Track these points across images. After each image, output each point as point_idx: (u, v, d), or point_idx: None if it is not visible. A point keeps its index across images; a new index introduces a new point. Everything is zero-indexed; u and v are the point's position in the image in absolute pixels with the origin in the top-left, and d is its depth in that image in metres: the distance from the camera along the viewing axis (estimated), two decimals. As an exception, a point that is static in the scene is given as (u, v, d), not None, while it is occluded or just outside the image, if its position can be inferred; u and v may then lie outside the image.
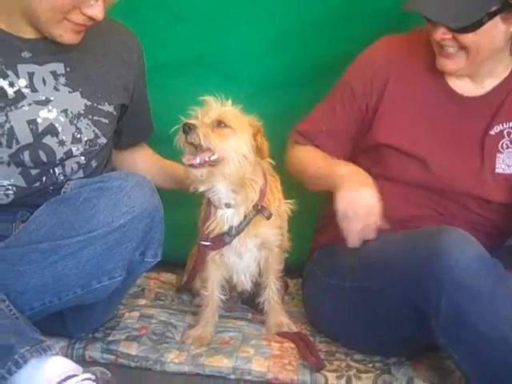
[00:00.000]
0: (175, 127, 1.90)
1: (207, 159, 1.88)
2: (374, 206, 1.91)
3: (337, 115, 2.17)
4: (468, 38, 1.91)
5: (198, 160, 1.88)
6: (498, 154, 2.05)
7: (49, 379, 1.53)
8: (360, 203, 1.91)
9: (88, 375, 1.55)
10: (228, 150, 1.89)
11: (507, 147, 2.05)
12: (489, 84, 2.08)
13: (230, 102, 1.94)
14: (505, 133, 2.05)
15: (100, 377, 1.57)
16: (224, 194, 1.98)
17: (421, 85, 2.09)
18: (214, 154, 1.88)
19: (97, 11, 1.83)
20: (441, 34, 1.93)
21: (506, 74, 2.08)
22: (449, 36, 1.93)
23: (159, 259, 1.83)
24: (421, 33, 2.13)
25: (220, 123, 1.89)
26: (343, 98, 2.16)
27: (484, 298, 1.66)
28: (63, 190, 1.75)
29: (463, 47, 1.94)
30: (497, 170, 2.05)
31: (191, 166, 1.89)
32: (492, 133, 2.05)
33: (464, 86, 2.08)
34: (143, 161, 2.30)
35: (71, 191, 1.72)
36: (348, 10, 2.45)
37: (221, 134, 1.88)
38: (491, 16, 1.89)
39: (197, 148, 1.89)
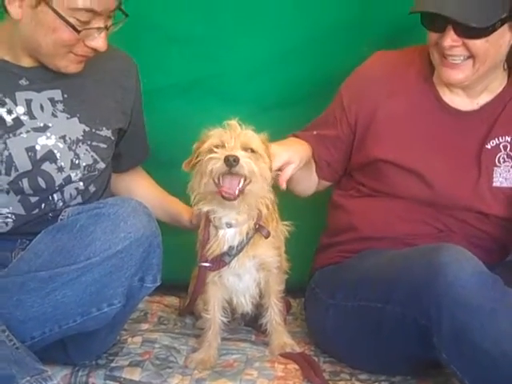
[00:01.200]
0: (211, 155, 1.86)
1: (239, 188, 1.87)
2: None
3: (328, 123, 2.20)
4: (478, 45, 1.91)
5: (237, 192, 1.87)
6: (495, 168, 2.05)
7: (50, 409, 1.52)
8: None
9: (89, 403, 1.54)
10: (258, 175, 1.88)
11: (504, 161, 2.05)
12: (483, 99, 2.09)
13: (251, 126, 1.94)
14: (501, 146, 2.05)
15: (101, 405, 1.56)
16: (226, 214, 1.97)
17: (415, 100, 2.10)
18: (241, 180, 1.87)
19: (100, 43, 1.86)
20: (450, 41, 1.92)
21: (500, 89, 2.09)
22: (458, 43, 1.92)
23: (158, 284, 1.82)
24: (415, 49, 2.15)
25: (247, 149, 1.88)
26: (335, 109, 2.20)
27: (484, 313, 1.65)
28: (60, 217, 1.75)
29: (471, 55, 1.94)
30: (494, 184, 2.05)
31: (229, 199, 1.88)
32: (488, 147, 2.05)
33: (459, 101, 2.08)
34: (142, 187, 2.30)
35: (68, 218, 1.72)
36: (347, 26, 2.45)
37: (252, 159, 1.87)
38: (503, 22, 1.90)
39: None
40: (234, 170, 1.83)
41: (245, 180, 1.87)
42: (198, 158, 1.93)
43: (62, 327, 1.72)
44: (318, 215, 2.37)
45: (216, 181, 1.88)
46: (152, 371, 1.95)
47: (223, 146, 1.87)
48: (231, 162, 1.82)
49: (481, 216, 2.07)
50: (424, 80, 2.10)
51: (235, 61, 2.46)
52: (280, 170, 1.94)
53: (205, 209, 1.98)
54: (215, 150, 1.87)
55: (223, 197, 1.87)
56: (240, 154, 1.84)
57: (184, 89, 2.47)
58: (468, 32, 1.90)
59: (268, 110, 2.48)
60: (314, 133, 2.20)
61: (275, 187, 2.00)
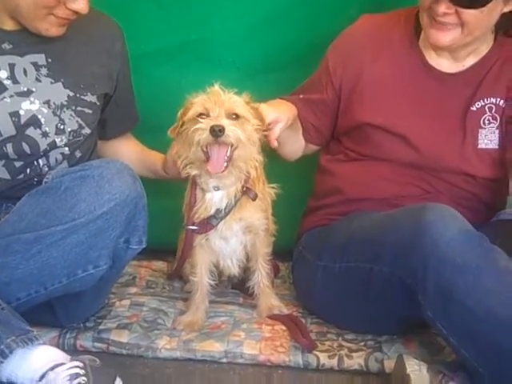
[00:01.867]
0: (197, 126, 1.86)
1: (227, 157, 1.88)
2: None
3: (314, 87, 2.20)
4: (471, 15, 1.89)
5: (225, 165, 1.87)
6: (480, 130, 2.05)
7: (36, 368, 1.54)
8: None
9: (76, 363, 1.57)
10: (244, 140, 1.88)
11: (489, 122, 2.05)
12: (469, 61, 2.08)
13: (233, 90, 1.92)
14: (486, 108, 2.05)
15: (88, 364, 1.58)
16: (214, 178, 1.97)
17: (401, 63, 2.09)
18: (228, 147, 1.87)
19: (81, 5, 1.84)
20: (444, 8, 1.90)
21: (486, 51, 2.07)
22: (451, 10, 1.90)
23: (144, 246, 1.83)
24: (401, 12, 2.15)
25: (232, 115, 1.87)
26: (321, 73, 2.20)
27: (469, 271, 1.65)
28: (44, 180, 1.75)
29: (462, 23, 1.92)
30: (479, 146, 2.05)
31: (218, 175, 1.90)
32: (473, 108, 2.05)
33: (444, 64, 2.08)
34: (126, 151, 2.30)
35: (52, 181, 1.72)
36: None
37: (237, 125, 1.87)
38: None
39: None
40: (221, 140, 1.83)
41: (231, 147, 1.87)
42: (184, 126, 1.92)
43: (48, 288, 1.73)
44: (306, 179, 2.38)
45: (204, 149, 1.88)
46: (140, 333, 1.97)
47: (208, 115, 1.86)
48: (217, 132, 1.82)
49: (468, 178, 2.08)
50: (409, 43, 2.09)
51: (222, 25, 2.43)
52: (268, 129, 1.94)
53: (193, 173, 1.98)
54: (200, 119, 1.86)
55: (214, 173, 1.88)
56: (225, 122, 1.84)
57: (170, 53, 2.44)
58: (463, 1, 1.88)
59: (255, 74, 2.46)
60: (301, 96, 2.20)
61: (263, 149, 2.00)
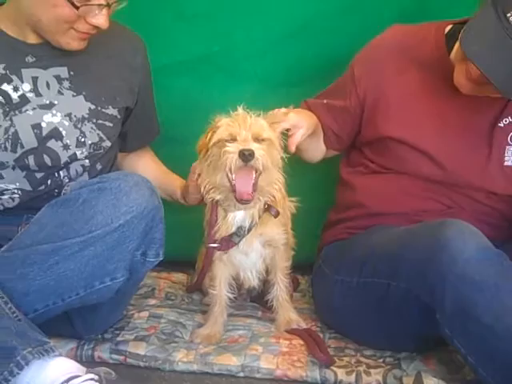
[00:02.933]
0: (226, 149, 1.85)
1: (254, 181, 1.88)
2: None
3: (338, 93, 2.19)
4: None
5: (251, 191, 1.87)
6: (508, 147, 2.02)
7: (51, 380, 1.54)
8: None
9: (91, 376, 1.56)
10: (270, 165, 1.88)
11: None
12: None
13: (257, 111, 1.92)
14: None
15: (104, 377, 1.58)
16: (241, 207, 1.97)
17: (428, 77, 2.06)
18: (254, 173, 1.87)
19: (102, 20, 1.85)
20: (479, 78, 1.84)
21: None
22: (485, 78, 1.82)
23: (161, 259, 1.84)
24: (431, 25, 2.11)
25: (258, 138, 1.87)
26: (346, 80, 2.18)
27: (488, 289, 1.63)
28: (63, 191, 1.78)
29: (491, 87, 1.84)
30: (506, 163, 2.02)
31: (246, 203, 1.89)
32: (501, 125, 2.02)
33: None
34: (148, 170, 2.28)
35: (71, 193, 1.74)
36: (359, 2, 2.41)
37: (264, 149, 1.86)
38: None
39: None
40: (250, 164, 1.83)
41: (256, 172, 1.87)
42: (209, 151, 1.91)
43: (65, 300, 1.74)
44: (326, 192, 2.38)
45: (230, 176, 1.87)
46: (157, 345, 1.98)
47: (234, 139, 1.86)
48: (247, 156, 1.81)
49: (490, 194, 2.05)
50: (437, 57, 2.05)
51: (243, 38, 2.43)
52: (289, 135, 1.94)
53: (217, 197, 1.97)
54: (227, 144, 1.85)
55: (238, 201, 1.88)
56: (254, 146, 1.83)
57: (192, 66, 2.45)
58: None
59: (276, 87, 2.46)
60: (324, 101, 2.20)
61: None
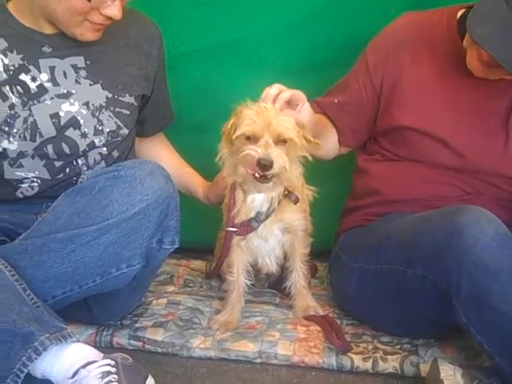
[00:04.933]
0: (246, 153, 1.85)
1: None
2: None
3: (349, 88, 2.16)
4: None
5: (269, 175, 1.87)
6: None
7: (69, 365, 1.56)
8: None
9: (108, 361, 1.58)
10: (289, 165, 1.88)
11: None
12: None
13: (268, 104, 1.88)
14: None
15: (120, 362, 1.60)
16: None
17: (442, 64, 2.04)
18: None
19: (115, 11, 1.86)
20: (490, 61, 1.82)
21: None
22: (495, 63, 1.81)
23: (177, 246, 1.85)
24: (443, 10, 2.09)
25: (280, 141, 1.86)
26: (358, 71, 2.16)
27: (504, 276, 1.62)
28: (80, 180, 1.79)
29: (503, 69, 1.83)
30: None
31: (263, 181, 1.89)
32: None
33: None
34: (163, 156, 2.30)
35: (87, 181, 1.75)
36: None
37: (284, 152, 1.86)
38: None
39: None
40: (269, 172, 1.84)
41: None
42: (234, 139, 1.90)
43: (83, 287, 1.76)
44: (344, 179, 2.37)
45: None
46: (175, 332, 2.00)
47: (256, 139, 1.85)
48: (264, 166, 1.82)
49: (510, 179, 2.03)
50: (450, 43, 2.03)
51: (260, 24, 2.43)
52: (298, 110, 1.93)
53: (239, 180, 1.97)
54: (248, 145, 1.85)
55: (258, 180, 1.88)
56: (273, 154, 1.83)
57: (209, 53, 2.45)
58: None
59: (294, 73, 2.42)
60: (336, 100, 2.19)
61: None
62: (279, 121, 1.86)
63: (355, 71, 2.17)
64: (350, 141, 2.24)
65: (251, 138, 1.86)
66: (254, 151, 1.83)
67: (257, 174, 1.86)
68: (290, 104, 1.91)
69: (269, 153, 1.82)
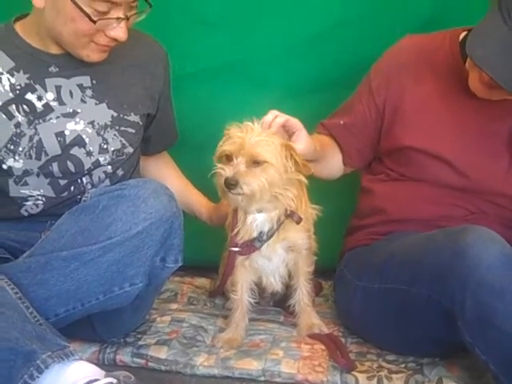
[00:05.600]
0: (215, 171, 1.91)
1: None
2: None
3: (354, 110, 2.18)
4: None
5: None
6: None
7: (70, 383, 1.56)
8: None
9: (110, 379, 1.58)
10: (265, 184, 1.88)
11: None
12: None
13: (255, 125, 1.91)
14: None
15: (123, 380, 1.59)
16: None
17: (444, 85, 2.05)
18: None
19: (120, 33, 1.87)
20: (490, 82, 1.83)
21: None
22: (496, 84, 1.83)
23: (180, 264, 1.85)
24: (445, 32, 2.11)
25: (254, 162, 1.87)
26: (361, 93, 2.17)
27: (509, 296, 1.62)
28: (83, 198, 1.80)
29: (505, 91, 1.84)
30: None
31: (232, 194, 1.90)
32: None
33: None
34: (167, 176, 2.33)
35: (91, 199, 1.77)
36: (380, 10, 2.42)
37: (257, 173, 1.87)
38: None
39: None
40: (234, 192, 1.86)
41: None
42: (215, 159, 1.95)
43: (85, 305, 1.76)
44: (349, 197, 2.37)
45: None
46: (178, 350, 1.99)
47: (231, 160, 1.88)
48: (228, 185, 1.85)
49: None
50: (453, 65, 2.04)
51: (266, 45, 2.45)
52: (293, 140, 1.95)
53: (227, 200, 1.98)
54: (227, 163, 1.89)
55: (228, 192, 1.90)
56: (240, 174, 1.85)
57: (214, 73, 2.47)
58: None
59: (298, 94, 2.47)
60: (341, 122, 2.20)
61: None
62: (258, 141, 1.87)
63: (359, 93, 2.19)
64: (356, 161, 2.25)
65: (229, 158, 1.88)
66: (223, 170, 1.86)
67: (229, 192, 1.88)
68: (287, 132, 1.94)
69: (235, 173, 1.85)
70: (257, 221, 2.00)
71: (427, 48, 2.10)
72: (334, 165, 2.24)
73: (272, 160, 1.88)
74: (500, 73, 1.77)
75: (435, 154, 2.02)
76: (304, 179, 1.99)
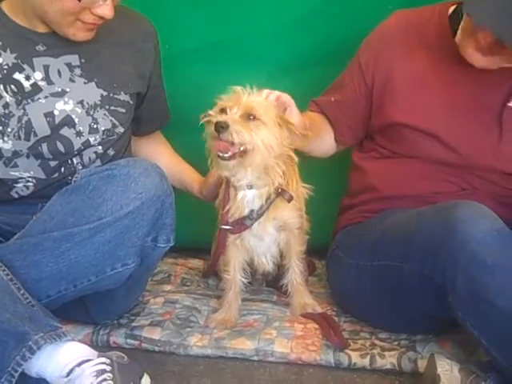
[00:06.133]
0: (204, 120, 1.90)
1: (237, 151, 1.87)
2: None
3: (344, 87, 2.18)
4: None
5: (229, 153, 1.86)
6: None
7: (63, 364, 1.56)
8: None
9: (103, 359, 1.58)
10: (258, 142, 1.87)
11: None
12: None
13: (257, 89, 1.91)
14: None
15: (115, 361, 1.59)
16: (247, 178, 1.97)
17: (434, 59, 2.04)
18: (243, 146, 1.87)
19: (106, 10, 1.85)
20: (490, 39, 1.82)
21: None
22: (498, 45, 1.81)
23: (172, 244, 1.85)
24: (435, 6, 2.10)
25: (249, 116, 1.86)
26: (352, 70, 2.17)
27: (500, 271, 1.61)
28: (73, 179, 1.79)
29: (504, 55, 1.86)
30: None
31: (222, 158, 1.88)
32: (510, 104, 1.99)
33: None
34: (160, 154, 2.31)
35: (81, 180, 1.75)
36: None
37: (251, 127, 1.86)
38: None
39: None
40: (223, 136, 1.83)
41: (241, 148, 1.86)
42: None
43: (77, 286, 1.76)
44: (341, 176, 2.36)
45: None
46: (172, 330, 2.00)
47: (226, 113, 1.87)
48: (219, 127, 1.82)
49: (504, 175, 2.03)
50: (442, 39, 2.04)
51: (256, 23, 2.42)
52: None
53: (224, 174, 1.98)
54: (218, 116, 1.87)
55: (218, 156, 1.87)
56: (233, 120, 1.83)
57: (206, 52, 2.45)
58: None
59: (290, 71, 2.45)
60: (332, 99, 2.20)
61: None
62: (255, 100, 1.88)
63: (349, 70, 2.19)
64: (347, 138, 2.24)
65: (224, 111, 1.87)
66: (214, 119, 1.85)
67: (219, 153, 1.86)
68: (279, 108, 1.93)
69: (228, 118, 1.83)
70: (247, 197, 1.99)
71: (416, 22, 2.09)
72: (325, 142, 2.24)
73: (266, 120, 1.87)
74: (503, 29, 1.75)
75: (426, 131, 2.02)
76: (295, 157, 2.00)
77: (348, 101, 2.17)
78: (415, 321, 1.94)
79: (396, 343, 1.96)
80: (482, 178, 2.02)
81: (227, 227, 2.03)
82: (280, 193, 1.99)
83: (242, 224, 2.01)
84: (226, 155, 1.86)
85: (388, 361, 1.88)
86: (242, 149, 1.86)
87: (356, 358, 1.89)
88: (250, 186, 1.98)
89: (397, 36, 2.10)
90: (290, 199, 2.00)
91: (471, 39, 1.88)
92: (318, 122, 2.19)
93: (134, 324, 2.02)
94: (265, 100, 1.90)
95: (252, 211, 2.00)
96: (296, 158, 2.01)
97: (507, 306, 1.60)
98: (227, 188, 2.03)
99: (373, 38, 2.16)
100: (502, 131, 1.99)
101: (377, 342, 1.97)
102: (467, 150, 2.00)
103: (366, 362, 1.88)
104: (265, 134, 1.87)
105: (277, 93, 1.92)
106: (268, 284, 2.32)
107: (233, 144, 1.84)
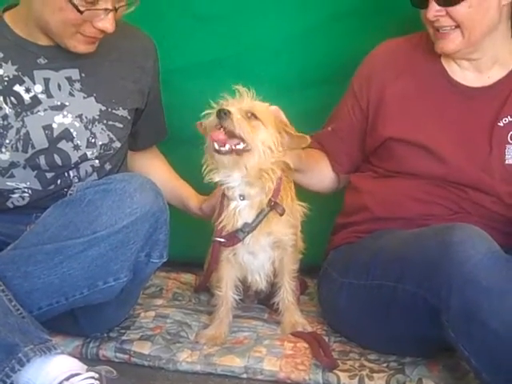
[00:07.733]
0: (207, 111, 1.92)
1: (234, 147, 1.88)
2: None
3: (341, 115, 2.23)
4: (461, 12, 1.94)
5: (227, 147, 1.87)
6: (508, 146, 2.02)
7: (52, 377, 1.56)
8: None
9: (91, 374, 1.58)
10: (256, 142, 1.88)
11: None
12: (496, 74, 2.07)
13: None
14: None
15: (104, 375, 1.60)
16: (239, 185, 1.98)
17: (423, 79, 2.10)
18: (241, 143, 1.88)
19: (107, 24, 1.87)
20: (434, 12, 1.94)
21: None
22: (442, 13, 1.95)
23: (165, 260, 1.86)
24: (422, 33, 2.15)
25: (251, 115, 1.89)
26: (347, 97, 2.23)
27: (494, 293, 1.63)
28: (69, 192, 1.80)
29: (458, 24, 1.95)
30: (507, 161, 2.02)
31: (218, 152, 1.88)
32: (500, 124, 2.03)
33: (469, 77, 2.08)
34: (156, 169, 2.32)
35: (77, 193, 1.76)
36: (372, 5, 2.43)
37: (251, 125, 1.88)
38: None
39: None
40: (225, 123, 1.84)
41: (240, 143, 1.88)
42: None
43: (69, 299, 1.76)
44: (336, 196, 2.37)
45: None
46: (162, 345, 1.99)
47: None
48: (221, 114, 1.83)
49: (495, 199, 2.04)
50: (432, 60, 2.10)
51: (257, 40, 2.45)
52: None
53: (215, 179, 1.98)
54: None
55: (215, 149, 1.88)
56: (236, 109, 1.85)
57: (206, 69, 2.46)
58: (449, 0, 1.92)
59: (289, 90, 2.46)
60: (329, 129, 2.24)
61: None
62: (254, 101, 1.92)
63: (345, 99, 2.24)
64: (345, 166, 2.27)
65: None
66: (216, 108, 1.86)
67: (216, 145, 1.86)
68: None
69: (229, 108, 1.85)
70: (239, 207, 1.99)
71: (405, 47, 2.17)
72: (324, 174, 2.29)
73: (266, 122, 1.90)
74: None
75: (414, 142, 2.05)
76: (291, 164, 2.01)
77: (344, 128, 2.21)
78: (406, 342, 1.94)
79: (385, 365, 1.96)
80: (473, 202, 2.04)
81: (220, 239, 2.03)
82: (273, 206, 1.99)
83: (234, 237, 2.01)
84: (222, 148, 1.87)
85: (376, 382, 1.87)
86: (239, 147, 1.87)
87: (345, 378, 1.89)
88: (243, 197, 1.99)
89: (386, 61, 2.17)
90: (282, 212, 2.00)
91: (431, 26, 2.01)
92: (315, 156, 2.25)
93: (123, 338, 2.02)
94: (266, 106, 1.93)
95: (245, 224, 2.00)
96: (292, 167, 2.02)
97: (501, 329, 1.61)
98: (222, 201, 2.03)
99: (364, 64, 2.22)
100: (492, 150, 2.02)
101: (366, 363, 1.97)
102: (456, 161, 2.02)
103: (355, 382, 1.87)
104: (264, 135, 1.90)
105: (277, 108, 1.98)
106: (260, 301, 2.32)
107: (232, 136, 1.85)
